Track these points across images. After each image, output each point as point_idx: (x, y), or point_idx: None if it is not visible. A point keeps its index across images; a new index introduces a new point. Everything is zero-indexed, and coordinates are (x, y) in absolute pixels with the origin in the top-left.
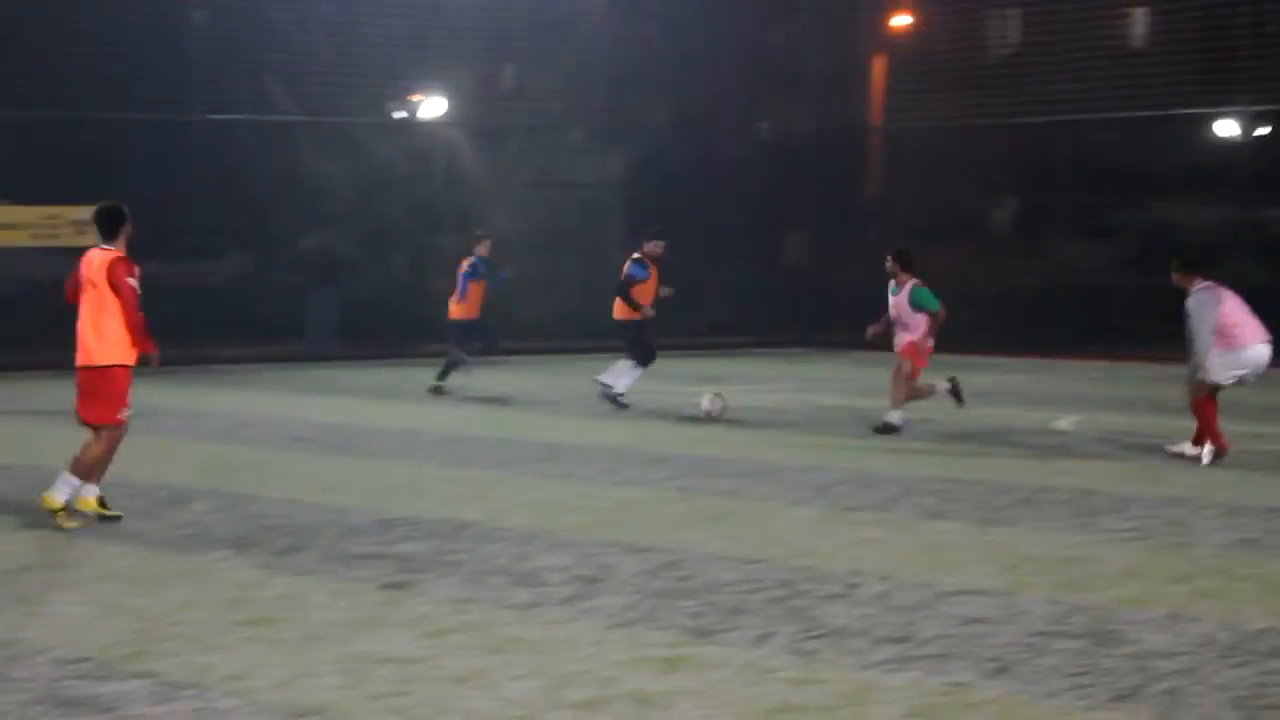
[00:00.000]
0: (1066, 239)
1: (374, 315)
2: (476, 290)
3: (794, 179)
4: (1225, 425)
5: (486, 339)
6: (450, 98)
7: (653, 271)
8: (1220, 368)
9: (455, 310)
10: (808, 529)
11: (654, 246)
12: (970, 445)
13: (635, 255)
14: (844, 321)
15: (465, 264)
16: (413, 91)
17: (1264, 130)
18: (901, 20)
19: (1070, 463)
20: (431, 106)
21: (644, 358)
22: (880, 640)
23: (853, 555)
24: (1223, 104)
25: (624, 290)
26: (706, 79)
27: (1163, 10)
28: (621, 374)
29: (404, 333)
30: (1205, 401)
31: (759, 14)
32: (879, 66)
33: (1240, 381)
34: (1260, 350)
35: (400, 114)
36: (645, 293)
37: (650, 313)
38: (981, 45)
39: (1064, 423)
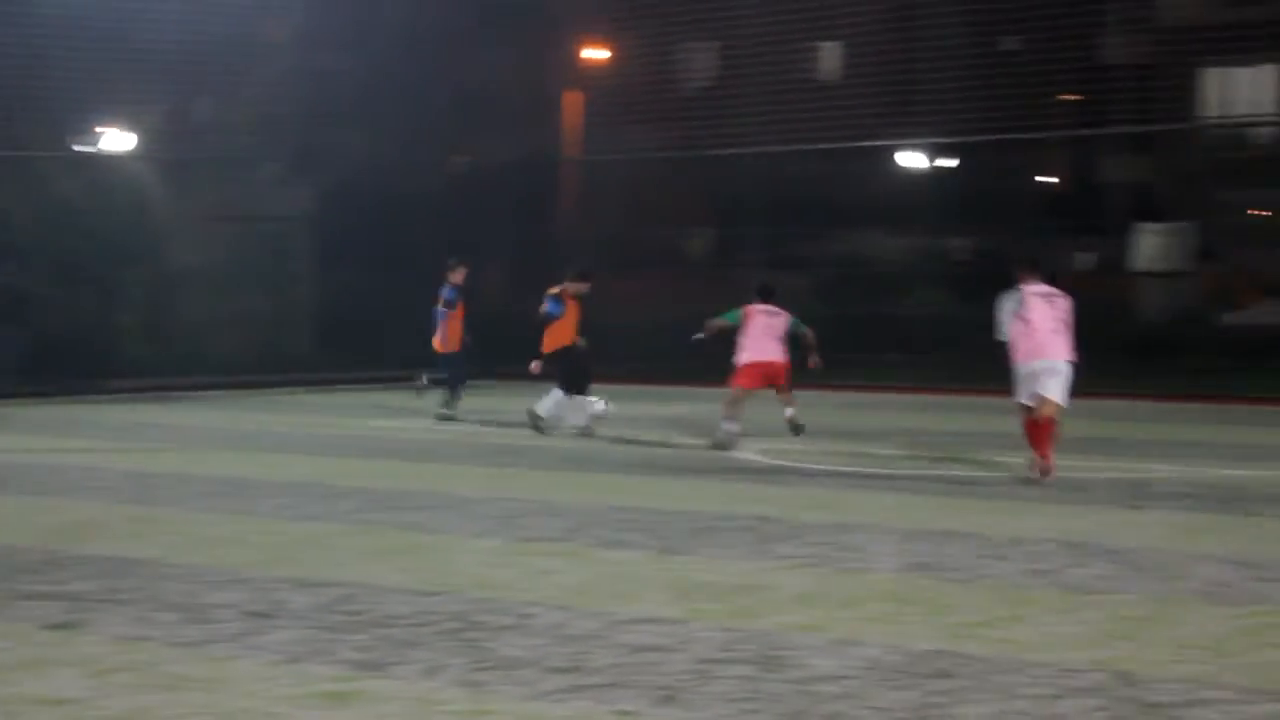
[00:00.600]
0: (759, 269)
1: (60, 351)
2: (454, 321)
3: (490, 211)
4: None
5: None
6: (138, 130)
7: (571, 307)
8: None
9: (438, 345)
10: (487, 560)
11: (577, 286)
12: (654, 474)
13: (553, 291)
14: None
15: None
16: (98, 124)
17: (946, 162)
18: (598, 53)
19: (751, 489)
20: (118, 139)
21: (571, 385)
22: (551, 670)
23: (530, 586)
24: (907, 136)
25: (542, 326)
26: (401, 111)
27: (851, 45)
28: (548, 400)
29: (91, 369)
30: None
31: (455, 46)
32: (575, 99)
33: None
34: (1032, 366)
35: (84, 147)
36: (563, 329)
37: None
38: (677, 78)
39: (748, 451)
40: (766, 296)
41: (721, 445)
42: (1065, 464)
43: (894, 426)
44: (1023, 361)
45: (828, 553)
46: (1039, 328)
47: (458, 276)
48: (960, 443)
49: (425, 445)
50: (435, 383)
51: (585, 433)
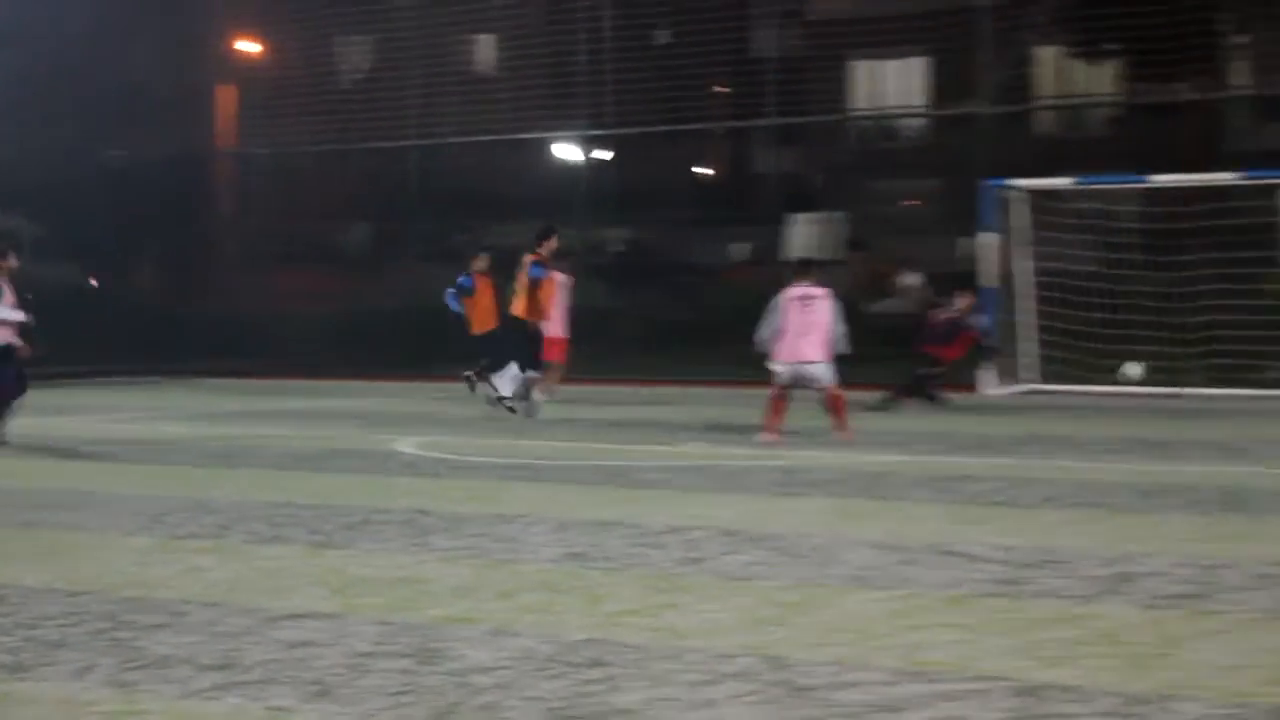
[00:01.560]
0: (418, 262)
1: None
2: (480, 302)
3: (142, 206)
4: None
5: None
6: None
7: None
8: None
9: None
10: (138, 559)
11: (554, 243)
12: (309, 469)
13: (534, 257)
14: (193, 348)
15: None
16: None
17: (601, 154)
18: (251, 46)
19: (408, 483)
20: None
21: (528, 363)
22: (204, 668)
23: (183, 583)
24: (563, 129)
25: (532, 290)
26: (54, 104)
27: (507, 38)
28: (506, 379)
29: None
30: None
31: (105, 39)
32: (229, 92)
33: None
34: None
35: None
36: (548, 294)
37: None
38: (333, 71)
39: (406, 444)
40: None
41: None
42: (722, 452)
43: (551, 416)
44: (781, 361)
45: (484, 544)
46: (789, 331)
47: (481, 263)
48: (616, 431)
49: (75, 442)
50: (482, 371)
51: (516, 409)
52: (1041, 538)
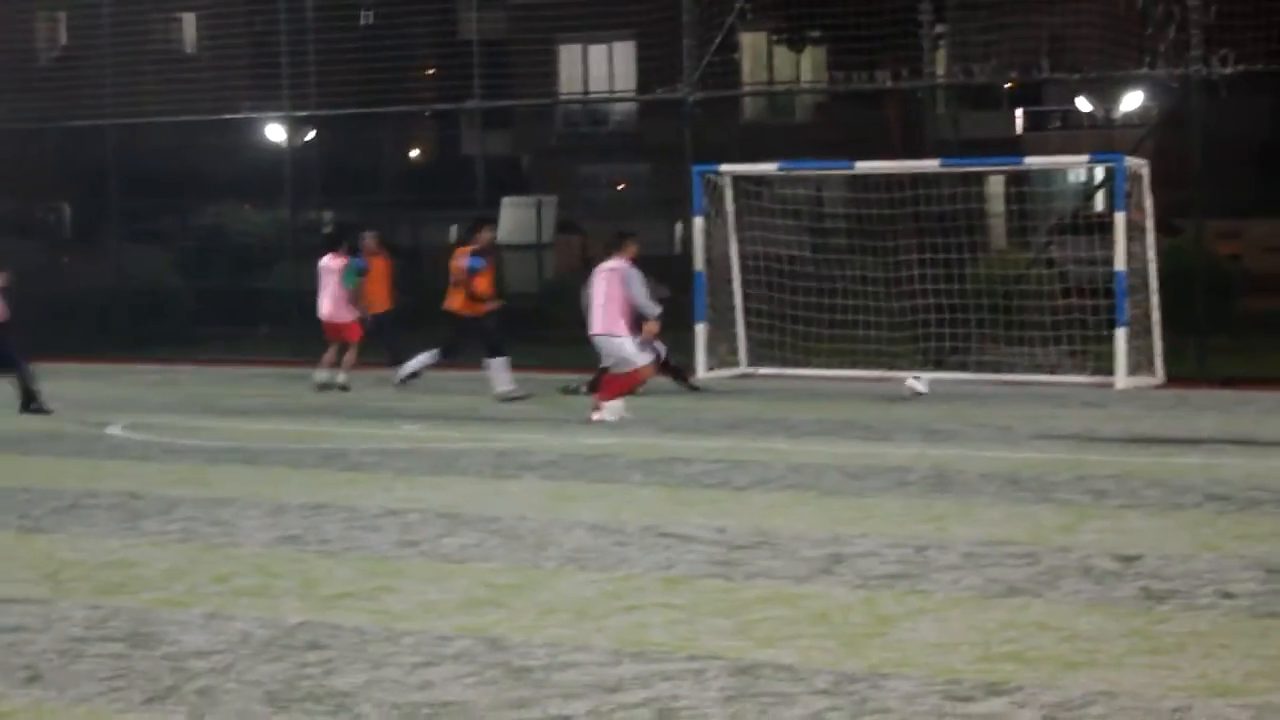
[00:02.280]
0: (119, 243)
1: None
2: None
3: None
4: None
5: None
6: None
7: (490, 260)
8: None
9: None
10: None
11: (488, 233)
12: (17, 452)
13: (471, 248)
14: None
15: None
16: None
17: (307, 135)
18: None
19: (120, 465)
20: None
21: (497, 347)
22: None
23: None
24: (268, 110)
25: (468, 283)
26: None
27: (211, 17)
28: (500, 371)
29: None
30: None
31: None
32: None
33: None
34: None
35: None
36: (486, 283)
37: (497, 304)
38: (28, 47)
39: (116, 427)
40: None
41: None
42: (438, 435)
43: (264, 399)
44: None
45: (198, 528)
46: (593, 304)
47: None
48: (331, 414)
49: None
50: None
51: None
52: (755, 519)
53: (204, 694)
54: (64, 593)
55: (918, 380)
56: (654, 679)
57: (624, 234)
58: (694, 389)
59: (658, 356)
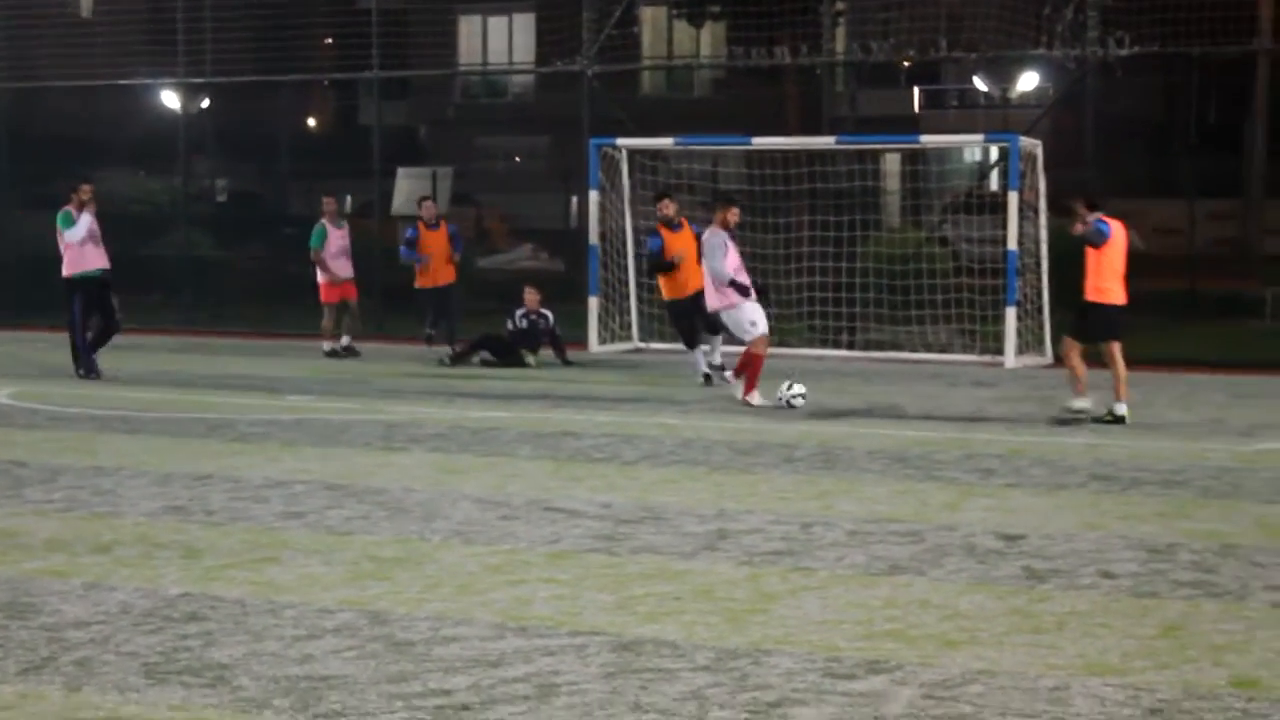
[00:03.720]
0: (12, 209)
1: None
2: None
3: None
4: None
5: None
6: None
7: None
8: None
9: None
10: None
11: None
12: None
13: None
14: None
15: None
16: None
17: (202, 102)
18: None
19: (3, 433)
20: None
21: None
22: None
23: None
24: (163, 75)
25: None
26: None
27: None
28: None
29: None
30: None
31: None
32: None
33: None
34: None
35: None
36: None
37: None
38: None
39: (1, 394)
40: None
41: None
42: (327, 405)
43: (153, 369)
44: None
45: (81, 497)
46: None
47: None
48: (216, 384)
49: None
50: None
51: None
52: (642, 494)
53: (81, 665)
54: None
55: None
56: (536, 654)
57: (721, 198)
58: (569, 363)
59: (551, 327)
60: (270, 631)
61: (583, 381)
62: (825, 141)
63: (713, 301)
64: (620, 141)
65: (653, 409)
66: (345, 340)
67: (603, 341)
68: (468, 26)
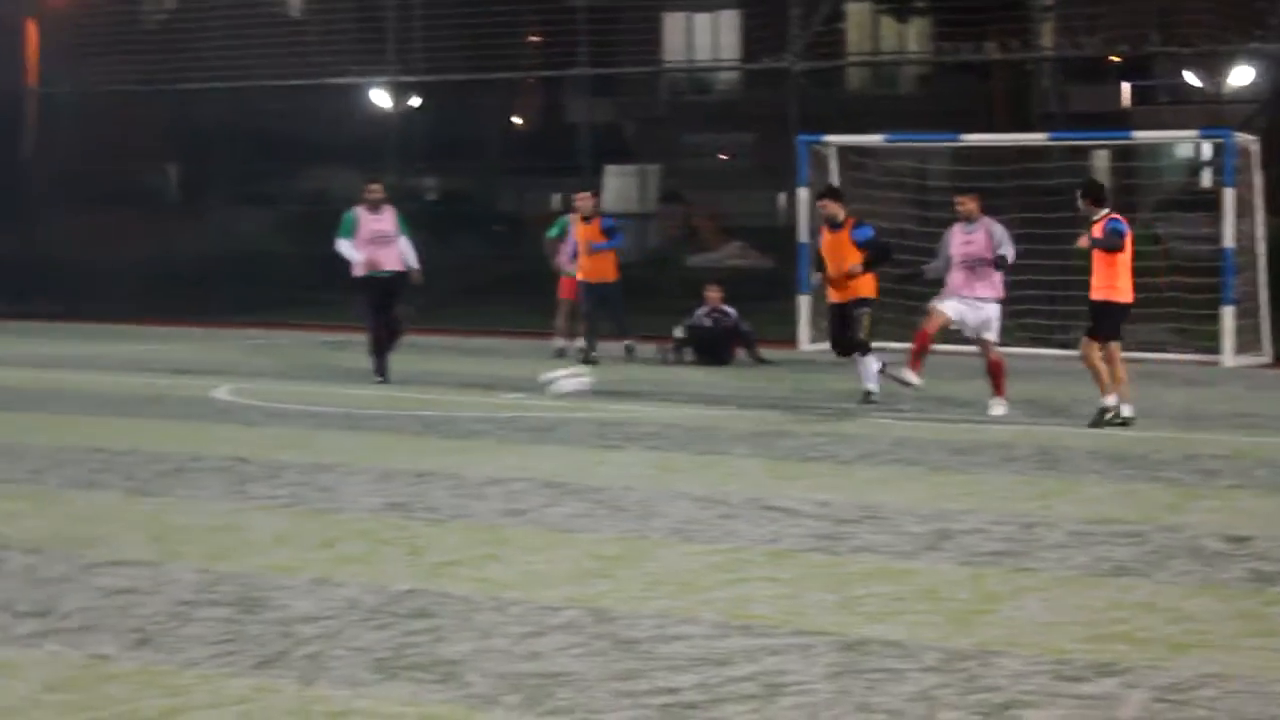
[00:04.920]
0: (226, 206)
1: None
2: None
3: None
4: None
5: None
6: None
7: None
8: None
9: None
10: None
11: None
12: (124, 415)
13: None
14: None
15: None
16: None
17: (412, 101)
18: None
19: (225, 430)
20: None
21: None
22: (21, 615)
23: None
24: (374, 74)
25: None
26: None
27: None
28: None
29: None
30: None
31: None
32: (32, 29)
33: None
34: None
35: None
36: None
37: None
38: (138, 9)
39: (221, 391)
40: None
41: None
42: (541, 403)
43: (365, 366)
44: None
45: (304, 493)
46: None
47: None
48: (431, 381)
49: None
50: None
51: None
52: (860, 494)
53: (313, 659)
54: (172, 556)
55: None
56: (761, 653)
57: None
58: (764, 361)
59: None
60: (497, 628)
61: (796, 382)
62: (1036, 138)
63: (985, 290)
64: (828, 138)
65: (865, 408)
66: (581, 341)
67: (813, 340)
68: (673, 23)
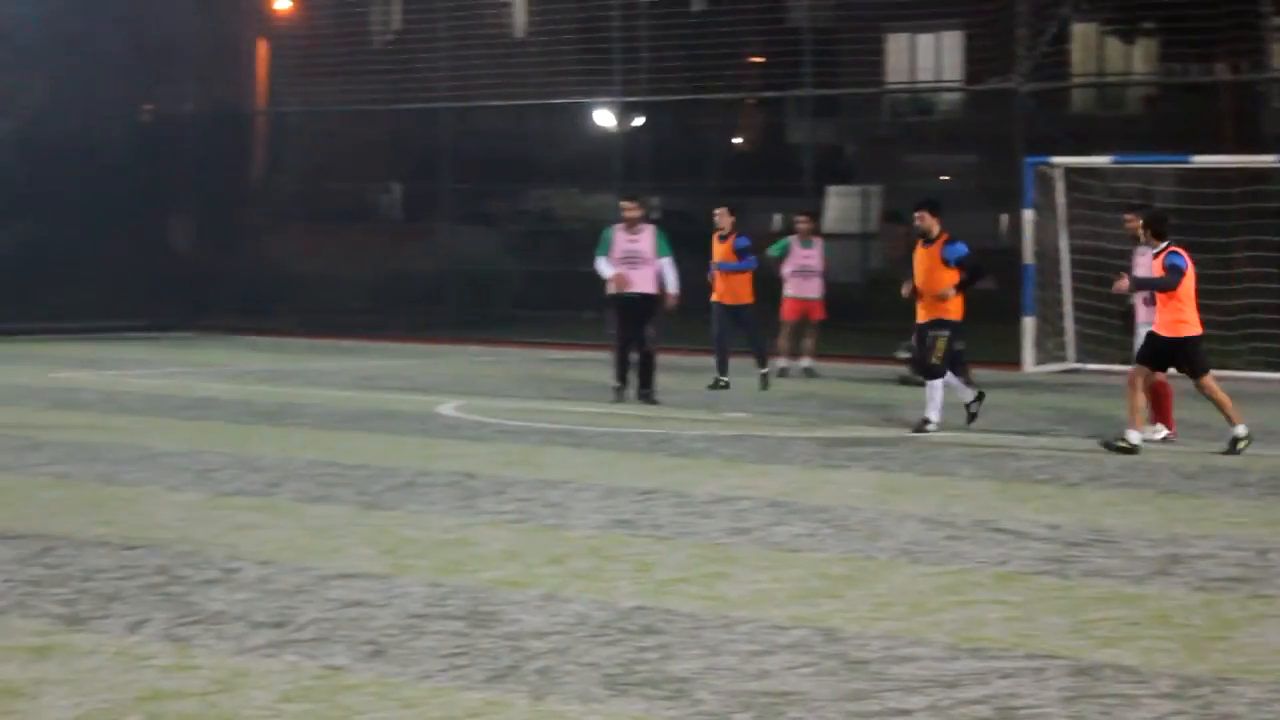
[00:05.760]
0: (450, 225)
1: None
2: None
3: (177, 161)
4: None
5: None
6: None
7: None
8: None
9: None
10: (187, 514)
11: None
12: (354, 429)
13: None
14: (229, 305)
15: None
16: None
17: (636, 120)
18: (283, 3)
19: (453, 446)
20: None
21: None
22: (258, 625)
23: (232, 540)
24: (597, 94)
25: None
26: (85, 58)
27: (541, 2)
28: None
29: None
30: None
31: None
32: (262, 50)
33: None
34: None
35: None
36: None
37: None
38: (364, 30)
39: (448, 407)
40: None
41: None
42: (764, 421)
43: (589, 383)
44: None
45: (532, 509)
46: None
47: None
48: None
49: (113, 397)
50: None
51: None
52: (1089, 516)
53: (544, 674)
54: (403, 569)
55: None
56: (992, 676)
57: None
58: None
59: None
60: (725, 646)
61: (1018, 402)
62: (1267, 159)
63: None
64: (1055, 160)
65: (1091, 429)
66: (806, 362)
67: (1038, 362)
68: (896, 44)
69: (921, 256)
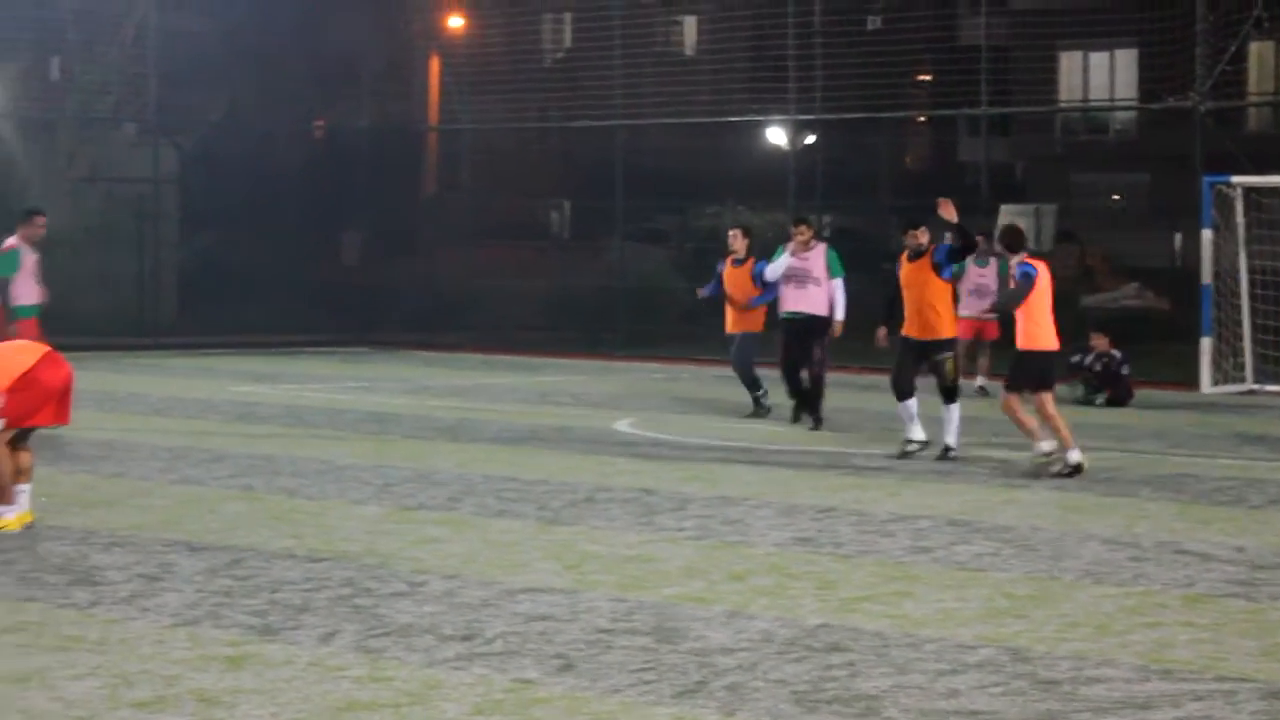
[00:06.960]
0: (620, 242)
1: None
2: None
3: (351, 177)
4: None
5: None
6: None
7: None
8: None
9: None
10: (371, 527)
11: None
12: (531, 445)
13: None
14: (401, 321)
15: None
16: None
17: (808, 138)
18: (456, 21)
19: (630, 462)
20: None
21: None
22: (446, 638)
23: (417, 554)
24: (769, 112)
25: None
26: (262, 75)
27: (712, 20)
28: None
29: None
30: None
31: (314, 11)
32: (435, 67)
33: None
34: None
35: None
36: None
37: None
38: (535, 48)
39: (623, 424)
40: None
41: None
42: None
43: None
44: None
45: (711, 525)
46: None
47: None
48: (832, 417)
49: (292, 410)
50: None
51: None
52: (1274, 539)
53: (732, 690)
54: (587, 584)
55: None
56: (1184, 698)
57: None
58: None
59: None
60: (913, 664)
61: (1198, 424)
62: None
63: None
64: (1236, 179)
65: (1274, 452)
66: (980, 381)
67: (1215, 383)
68: (1069, 63)
69: (911, 271)
